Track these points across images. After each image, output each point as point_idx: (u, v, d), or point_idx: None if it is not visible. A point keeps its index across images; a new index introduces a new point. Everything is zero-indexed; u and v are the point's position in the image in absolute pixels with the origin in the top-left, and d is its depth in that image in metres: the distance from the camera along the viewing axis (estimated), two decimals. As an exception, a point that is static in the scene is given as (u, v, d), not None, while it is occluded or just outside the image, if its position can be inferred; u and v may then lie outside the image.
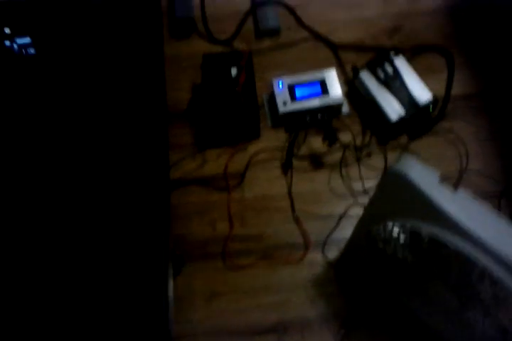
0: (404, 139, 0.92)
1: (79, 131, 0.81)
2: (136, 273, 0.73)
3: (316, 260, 0.84)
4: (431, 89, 0.90)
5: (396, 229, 0.61)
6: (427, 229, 0.55)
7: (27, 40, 0.82)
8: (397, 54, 0.93)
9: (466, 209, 0.53)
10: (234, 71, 0.93)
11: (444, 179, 0.85)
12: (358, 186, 0.89)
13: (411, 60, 0.96)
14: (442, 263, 0.57)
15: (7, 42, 0.82)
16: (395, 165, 0.56)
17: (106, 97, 0.84)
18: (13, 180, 0.77)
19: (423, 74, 0.92)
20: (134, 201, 0.78)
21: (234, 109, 0.90)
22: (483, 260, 0.52)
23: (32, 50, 0.83)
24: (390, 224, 0.61)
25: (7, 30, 0.82)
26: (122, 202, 0.77)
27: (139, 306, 0.71)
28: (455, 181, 0.87)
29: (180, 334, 0.79)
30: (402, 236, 0.61)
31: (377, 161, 0.90)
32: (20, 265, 0.72)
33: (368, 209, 0.68)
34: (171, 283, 0.74)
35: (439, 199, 0.53)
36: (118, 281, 0.72)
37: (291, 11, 1.00)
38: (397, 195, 0.58)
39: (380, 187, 0.62)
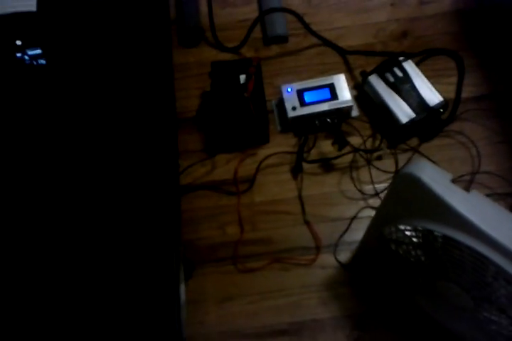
0: (415, 142, 0.91)
1: (89, 139, 0.82)
2: (147, 278, 0.73)
3: (327, 262, 0.84)
4: (441, 92, 0.90)
5: (408, 231, 0.60)
6: (440, 229, 0.55)
7: (38, 51, 0.84)
8: (406, 59, 0.93)
9: (479, 209, 0.53)
10: (243, 78, 0.93)
11: (456, 181, 0.85)
12: (369, 189, 0.89)
13: (420, 64, 0.96)
14: (456, 264, 0.56)
15: (18, 54, 0.83)
16: (406, 167, 0.56)
17: (116, 106, 0.85)
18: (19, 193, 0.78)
19: (433, 77, 0.93)
20: (144, 207, 0.78)
21: (243, 114, 0.90)
22: (498, 260, 0.51)
23: (42, 61, 0.84)
24: (402, 225, 0.61)
25: (18, 42, 0.83)
26: (133, 208, 0.78)
27: (152, 310, 0.71)
28: (467, 183, 0.86)
29: (192, 337, 0.79)
30: (414, 238, 0.61)
31: (388, 164, 0.90)
32: (28, 271, 0.73)
33: (380, 210, 0.68)
34: (182, 287, 0.74)
35: (452, 199, 0.53)
36: (130, 286, 0.72)
37: (299, 17, 1.00)
38: (409, 197, 0.57)
39: (392, 188, 0.61)
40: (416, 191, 0.55)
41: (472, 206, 0.53)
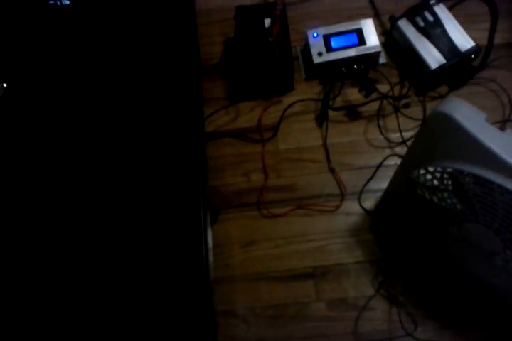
0: (444, 90, 0.89)
1: (112, 85, 0.81)
2: (176, 222, 0.74)
3: (351, 209, 0.84)
4: (473, 38, 0.86)
5: (438, 172, 0.60)
6: (472, 169, 0.54)
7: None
8: (437, 2, 0.89)
9: (514, 149, 0.52)
10: (267, 22, 0.91)
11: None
12: (395, 137, 0.87)
13: (452, 9, 0.92)
14: (487, 205, 0.56)
15: (43, -9, 0.82)
16: (439, 105, 0.55)
17: (138, 52, 0.84)
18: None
19: (465, 23, 0.89)
20: (169, 154, 0.78)
21: (268, 59, 0.88)
22: (531, 199, 0.51)
23: (66, 1, 0.83)
24: (431, 167, 0.60)
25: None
26: (158, 156, 0.78)
27: (181, 252, 0.73)
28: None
29: (219, 279, 0.81)
30: (443, 180, 0.60)
31: (416, 112, 0.88)
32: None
33: (409, 153, 0.67)
34: (209, 231, 0.76)
35: (486, 138, 0.52)
36: (160, 230, 0.74)
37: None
38: (440, 137, 0.56)
39: (423, 129, 0.60)
40: (449, 130, 0.54)
41: (507, 145, 0.51)
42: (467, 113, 0.54)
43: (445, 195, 0.62)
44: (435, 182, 0.61)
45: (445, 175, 0.59)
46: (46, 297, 0.71)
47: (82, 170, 0.77)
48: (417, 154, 0.63)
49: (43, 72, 0.82)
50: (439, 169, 0.59)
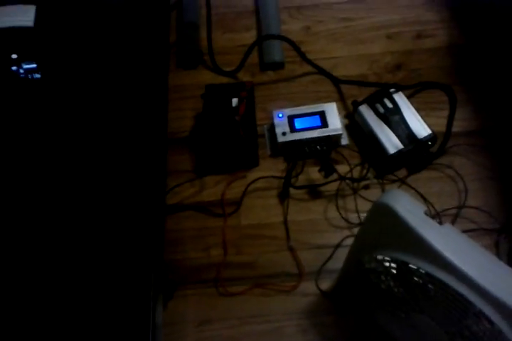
0: (403, 173, 0.92)
1: (79, 155, 0.83)
2: (124, 298, 0.73)
3: (309, 290, 0.83)
4: (432, 125, 0.91)
5: (386, 261, 0.60)
6: (413, 262, 0.55)
7: (33, 65, 0.86)
8: (396, 90, 0.95)
9: (451, 243, 0.53)
10: (235, 101, 0.95)
11: (442, 214, 0.86)
12: (354, 217, 0.89)
13: (413, 96, 0.98)
14: (429, 297, 0.56)
15: (14, 67, 0.86)
16: (381, 196, 0.57)
17: (108, 123, 0.86)
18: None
19: (425, 110, 0.94)
20: (128, 225, 0.78)
21: (233, 137, 0.92)
22: (469, 295, 0.51)
23: (37, 75, 0.86)
24: (379, 255, 0.61)
25: (14, 56, 0.86)
26: (116, 225, 0.78)
27: (126, 331, 0.71)
28: (453, 217, 0.87)
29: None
30: (391, 269, 0.61)
31: (374, 194, 0.90)
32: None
33: (358, 239, 0.68)
34: (160, 309, 0.74)
35: (424, 232, 0.53)
36: (105, 305, 0.72)
37: (295, 46, 1.03)
38: (384, 227, 0.58)
39: (368, 218, 0.62)
40: (390, 221, 0.55)
41: (444, 239, 0.53)
42: (407, 205, 0.55)
43: (393, 283, 0.63)
44: (383, 269, 0.62)
45: (392, 264, 0.60)
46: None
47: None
48: (367, 241, 0.64)
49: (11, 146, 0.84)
50: (385, 258, 0.60)
